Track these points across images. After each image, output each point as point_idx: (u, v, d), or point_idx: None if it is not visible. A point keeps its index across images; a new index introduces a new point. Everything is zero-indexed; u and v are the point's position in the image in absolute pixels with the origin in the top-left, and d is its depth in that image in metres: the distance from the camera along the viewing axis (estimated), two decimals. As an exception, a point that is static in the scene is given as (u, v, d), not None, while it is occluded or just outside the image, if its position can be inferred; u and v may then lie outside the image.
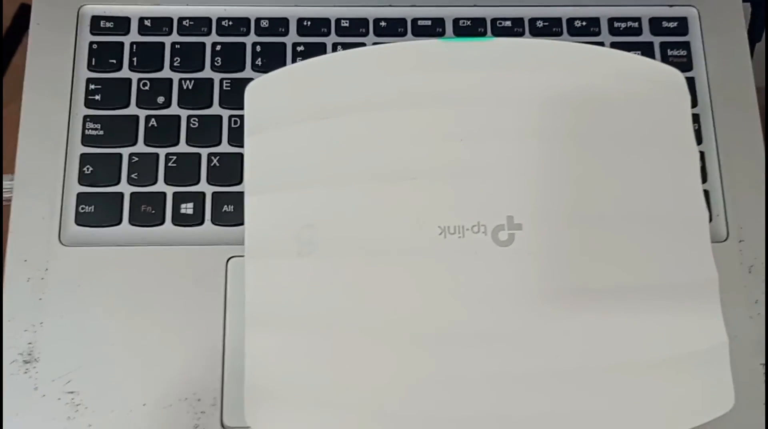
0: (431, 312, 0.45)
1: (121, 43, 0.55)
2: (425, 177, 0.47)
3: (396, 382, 0.45)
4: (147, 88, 0.54)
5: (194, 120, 0.54)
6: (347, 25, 0.57)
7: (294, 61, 0.55)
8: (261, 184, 0.48)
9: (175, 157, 0.53)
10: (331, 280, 0.46)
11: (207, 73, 0.55)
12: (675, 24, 0.58)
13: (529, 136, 0.47)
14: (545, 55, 0.49)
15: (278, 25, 0.57)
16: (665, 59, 0.57)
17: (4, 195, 0.55)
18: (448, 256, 0.46)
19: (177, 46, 0.56)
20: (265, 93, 0.49)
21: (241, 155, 0.52)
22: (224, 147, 0.53)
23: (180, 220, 0.52)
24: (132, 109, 0.54)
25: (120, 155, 0.53)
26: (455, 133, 0.47)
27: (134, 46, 0.56)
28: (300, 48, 0.56)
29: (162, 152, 0.53)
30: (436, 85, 0.48)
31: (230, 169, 0.53)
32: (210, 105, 0.54)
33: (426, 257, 0.46)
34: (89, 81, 0.54)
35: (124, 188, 0.52)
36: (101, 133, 0.53)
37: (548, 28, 0.57)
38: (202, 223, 0.52)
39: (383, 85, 0.48)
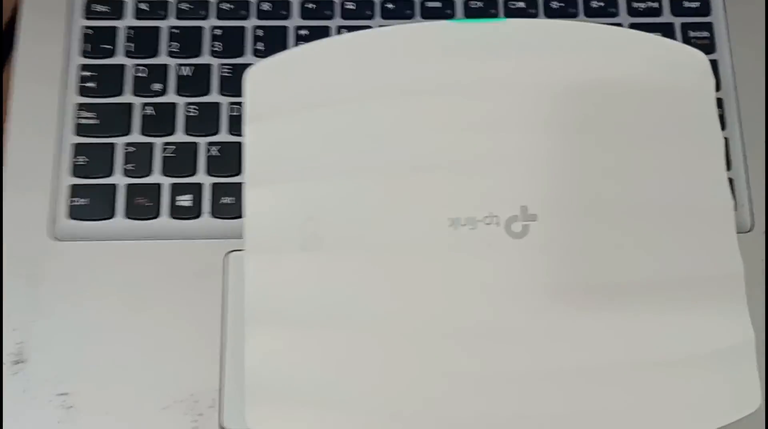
0: (441, 308, 0.43)
1: (116, 28, 0.53)
2: (435, 167, 0.45)
3: (403, 381, 0.43)
4: (143, 74, 0.52)
5: (192, 108, 0.52)
6: (353, 7, 0.54)
7: (297, 45, 0.53)
8: (262, 175, 0.46)
9: (172, 147, 0.51)
10: (337, 275, 0.44)
11: (206, 58, 0.53)
12: (697, 4, 0.55)
13: (542, 124, 0.45)
14: (560, 37, 0.47)
15: (280, 7, 0.54)
16: (687, 41, 0.54)
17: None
18: (459, 250, 0.44)
19: (174, 31, 0.53)
20: (265, 79, 0.47)
21: (242, 144, 0.50)
22: (224, 136, 0.51)
23: (177, 212, 0.50)
24: (127, 97, 0.52)
25: (114, 145, 0.51)
26: (465, 122, 0.45)
27: (129, 30, 0.53)
28: (303, 32, 0.54)
29: (158, 142, 0.51)
30: (445, 70, 0.46)
31: (230, 159, 0.51)
32: (209, 92, 0.52)
33: (436, 250, 0.44)
34: (82, 68, 0.52)
35: (119, 180, 0.50)
36: (95, 122, 0.51)
37: (563, 9, 0.55)
38: (199, 215, 0.50)
39: (389, 70, 0.47)
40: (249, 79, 0.47)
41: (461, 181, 0.44)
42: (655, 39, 0.48)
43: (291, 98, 0.46)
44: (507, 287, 0.43)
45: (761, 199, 0.51)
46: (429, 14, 0.54)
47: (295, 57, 0.48)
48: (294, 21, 0.54)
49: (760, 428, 0.47)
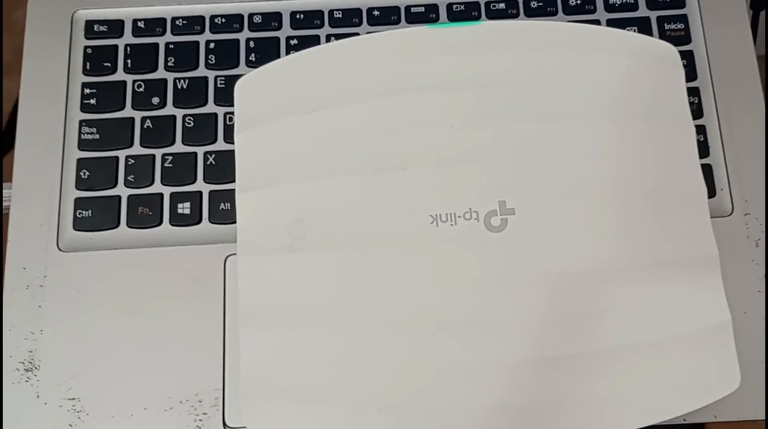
0: (425, 302, 0.43)
1: (116, 46, 0.53)
2: (415, 165, 0.44)
3: (393, 374, 0.42)
4: (142, 89, 0.51)
5: (189, 119, 0.51)
6: (340, 15, 0.53)
7: (288, 54, 0.52)
8: (251, 181, 0.45)
9: (171, 158, 0.50)
10: (323, 273, 0.43)
11: (201, 71, 0.52)
12: (672, -3, 0.53)
13: (517, 119, 0.45)
14: (533, 36, 0.47)
15: (271, 19, 0.53)
16: (662, 34, 0.52)
17: (4, 203, 0.52)
18: (440, 245, 0.43)
19: (171, 46, 0.53)
20: (254, 89, 0.47)
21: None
22: (220, 145, 0.50)
23: (177, 220, 0.49)
24: (127, 112, 0.51)
25: (116, 158, 0.50)
26: (443, 120, 0.45)
27: (128, 48, 0.53)
28: (293, 41, 0.53)
29: (158, 153, 0.50)
30: (421, 72, 0.46)
31: (226, 167, 0.50)
32: (205, 103, 0.51)
33: (418, 247, 0.43)
34: (84, 85, 0.52)
35: (121, 191, 0.49)
36: (97, 136, 0.50)
37: (543, 8, 0.53)
38: (199, 222, 0.49)
39: (368, 75, 0.46)
40: (239, 89, 0.47)
41: (441, 178, 0.44)
42: (626, 34, 0.47)
43: (276, 106, 0.46)
44: (489, 279, 0.42)
45: (739, 183, 0.49)
46: (414, 19, 0.53)
47: (281, 67, 0.47)
48: (285, 32, 0.53)
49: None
